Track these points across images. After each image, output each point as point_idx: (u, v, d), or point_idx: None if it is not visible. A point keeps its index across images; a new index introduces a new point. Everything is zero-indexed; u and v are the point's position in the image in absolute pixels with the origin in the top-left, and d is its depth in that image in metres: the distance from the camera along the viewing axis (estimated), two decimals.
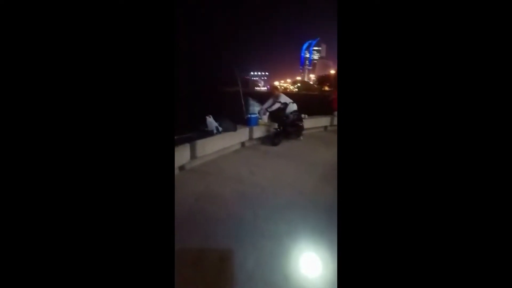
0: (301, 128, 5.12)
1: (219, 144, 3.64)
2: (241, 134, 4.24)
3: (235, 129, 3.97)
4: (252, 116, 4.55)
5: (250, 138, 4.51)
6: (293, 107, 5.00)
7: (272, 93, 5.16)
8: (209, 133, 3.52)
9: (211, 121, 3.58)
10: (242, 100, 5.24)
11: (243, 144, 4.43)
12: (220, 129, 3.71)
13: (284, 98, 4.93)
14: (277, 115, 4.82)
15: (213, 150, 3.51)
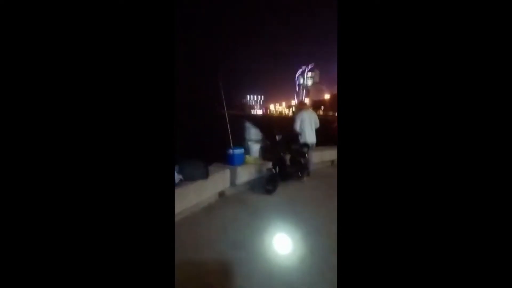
0: (304, 167, 3.75)
1: (176, 204, 2.21)
2: (218, 180, 2.84)
3: (205, 175, 2.56)
4: (236, 152, 3.18)
5: (233, 184, 3.10)
6: (305, 137, 3.73)
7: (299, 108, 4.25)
8: None
9: None
10: (229, 128, 3.89)
11: (222, 194, 3.00)
12: (179, 177, 2.30)
13: (307, 118, 3.72)
14: (275, 148, 3.47)
15: None
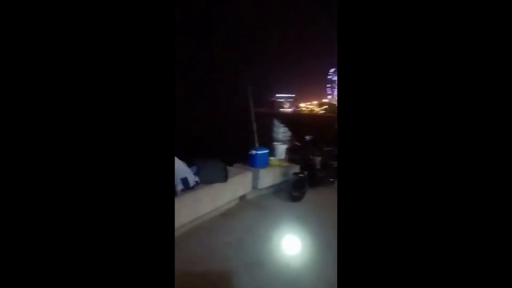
0: (336, 171, 3.30)
1: (188, 212, 1.99)
2: (238, 183, 2.58)
3: (223, 178, 2.32)
4: (259, 152, 2.89)
5: (255, 188, 2.82)
6: None
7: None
8: None
9: (174, 168, 1.98)
10: (255, 126, 3.60)
11: (242, 198, 2.74)
12: (194, 180, 2.09)
13: None
14: (303, 150, 3.10)
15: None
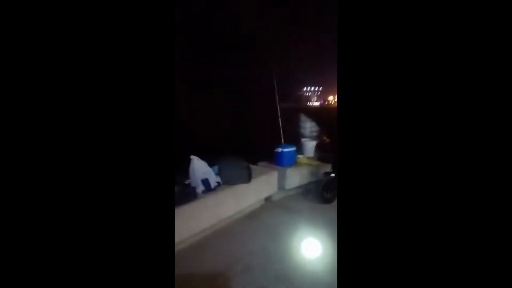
0: None
1: (209, 215, 1.86)
2: (263, 184, 2.39)
3: (247, 179, 2.15)
4: (286, 150, 2.66)
5: (281, 189, 2.62)
6: None
7: None
8: (189, 194, 1.79)
9: (194, 168, 1.86)
10: (280, 122, 3.38)
11: (267, 200, 2.56)
12: (216, 181, 1.95)
13: None
14: (334, 145, 2.81)
15: (191, 232, 1.74)
